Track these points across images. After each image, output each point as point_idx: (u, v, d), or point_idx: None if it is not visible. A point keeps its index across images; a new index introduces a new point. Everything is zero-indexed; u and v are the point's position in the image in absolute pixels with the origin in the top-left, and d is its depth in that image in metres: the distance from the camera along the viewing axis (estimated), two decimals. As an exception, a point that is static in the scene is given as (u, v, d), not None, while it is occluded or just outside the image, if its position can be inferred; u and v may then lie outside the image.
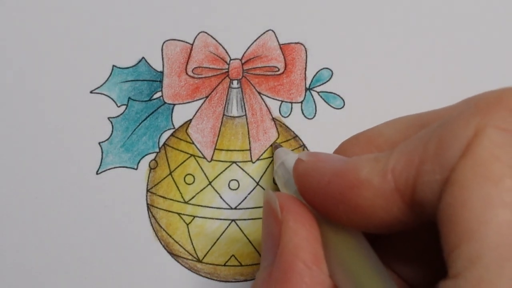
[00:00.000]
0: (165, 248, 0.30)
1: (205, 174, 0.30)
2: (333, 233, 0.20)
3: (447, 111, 0.20)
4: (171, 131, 0.30)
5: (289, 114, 0.30)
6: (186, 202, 0.30)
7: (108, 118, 0.30)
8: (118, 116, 0.30)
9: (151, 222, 0.30)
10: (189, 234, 0.30)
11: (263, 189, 0.30)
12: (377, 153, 0.19)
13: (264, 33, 0.30)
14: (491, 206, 0.16)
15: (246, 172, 0.30)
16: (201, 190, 0.30)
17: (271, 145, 0.30)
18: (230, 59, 0.30)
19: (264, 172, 0.30)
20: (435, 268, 0.21)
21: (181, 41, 0.30)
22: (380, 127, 0.23)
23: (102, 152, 0.30)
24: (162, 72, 0.30)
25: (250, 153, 0.30)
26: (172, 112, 0.30)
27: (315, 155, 0.21)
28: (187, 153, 0.30)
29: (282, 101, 0.30)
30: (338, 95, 0.30)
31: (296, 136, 0.30)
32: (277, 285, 0.19)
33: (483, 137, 0.16)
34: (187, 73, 0.30)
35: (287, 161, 0.25)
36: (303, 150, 0.30)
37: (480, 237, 0.15)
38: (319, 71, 0.30)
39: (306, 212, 0.21)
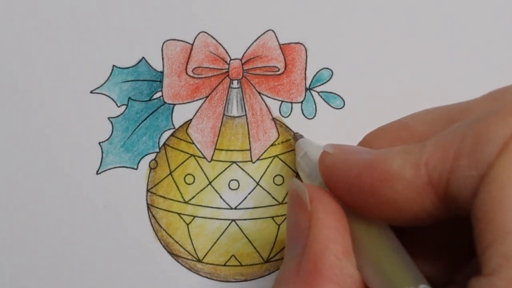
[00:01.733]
0: (165, 248, 0.30)
1: (205, 174, 0.30)
2: (361, 226, 0.20)
3: (476, 104, 0.20)
4: (171, 131, 0.30)
5: (289, 114, 0.30)
6: (186, 202, 0.30)
7: (108, 118, 0.30)
8: (118, 116, 0.30)
9: (151, 222, 0.30)
10: (189, 234, 0.30)
11: (263, 189, 0.30)
12: (407, 145, 0.19)
13: (264, 33, 0.30)
14: None
15: (246, 172, 0.30)
16: (201, 190, 0.30)
17: (292, 137, 0.29)
18: (230, 59, 0.30)
19: (264, 172, 0.30)
20: (456, 264, 0.21)
21: (181, 41, 0.30)
22: (406, 120, 0.23)
23: (102, 152, 0.30)
24: (162, 72, 0.30)
25: (250, 153, 0.30)
26: (172, 112, 0.30)
27: (341, 147, 0.21)
28: (187, 153, 0.30)
29: (282, 101, 0.30)
30: (338, 95, 0.30)
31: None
32: (307, 276, 0.19)
33: None
34: (187, 73, 0.30)
35: (311, 152, 0.25)
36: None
37: None
38: (319, 71, 0.30)
39: (335, 204, 0.20)
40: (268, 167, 0.30)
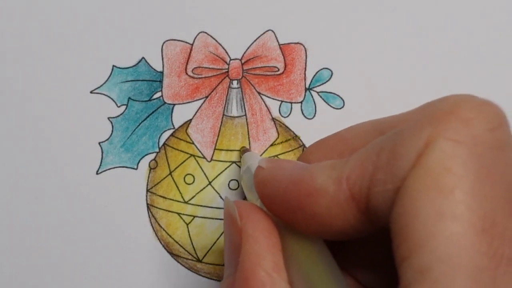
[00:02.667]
0: (165, 248, 0.30)
1: (205, 174, 0.30)
2: (292, 240, 0.20)
3: (404, 117, 0.20)
4: (171, 131, 0.30)
5: (289, 114, 0.30)
6: (186, 202, 0.30)
7: (108, 118, 0.30)
8: (118, 116, 0.30)
9: (151, 222, 0.30)
10: (189, 234, 0.30)
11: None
12: (335, 160, 0.19)
13: (264, 33, 0.30)
14: (441, 218, 0.16)
15: (246, 172, 0.30)
16: (201, 190, 0.30)
17: (240, 149, 0.30)
18: (230, 59, 0.30)
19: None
20: (395, 276, 0.21)
21: (181, 41, 0.30)
22: (343, 133, 0.23)
23: (102, 152, 0.30)
24: (162, 72, 0.30)
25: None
26: (172, 112, 0.30)
27: (275, 161, 0.22)
28: (187, 153, 0.30)
29: (282, 101, 0.30)
30: (338, 95, 0.30)
31: (296, 136, 0.30)
32: None
33: (435, 148, 0.16)
34: (187, 73, 0.30)
35: (252, 166, 0.25)
36: (303, 150, 0.30)
37: (430, 249, 0.15)
38: (319, 71, 0.30)
39: (265, 220, 0.21)
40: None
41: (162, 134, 0.30)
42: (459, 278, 0.15)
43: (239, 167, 0.30)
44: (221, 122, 0.30)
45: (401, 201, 0.16)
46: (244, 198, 0.30)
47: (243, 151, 0.29)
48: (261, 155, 0.30)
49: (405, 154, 0.17)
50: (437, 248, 0.15)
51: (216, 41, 0.30)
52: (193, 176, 0.30)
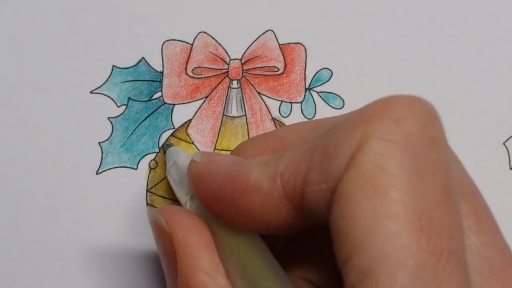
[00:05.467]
0: (165, 248, 0.30)
1: (205, 174, 0.30)
2: (228, 236, 0.20)
3: (340, 118, 0.20)
4: (171, 131, 0.30)
5: (289, 114, 0.30)
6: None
7: (108, 118, 0.30)
8: (118, 116, 0.30)
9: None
10: (189, 234, 0.30)
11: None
12: (269, 155, 0.19)
13: (264, 33, 0.30)
14: (378, 218, 0.16)
15: (246, 172, 0.30)
16: (201, 190, 0.30)
17: (162, 145, 0.30)
18: (230, 59, 0.30)
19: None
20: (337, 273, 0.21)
21: (181, 41, 0.30)
22: (278, 131, 0.23)
23: (102, 152, 0.30)
24: (162, 72, 0.30)
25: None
26: (172, 112, 0.30)
27: (208, 156, 0.21)
28: (187, 153, 0.30)
29: (281, 101, 0.30)
30: (338, 95, 0.30)
31: (296, 136, 0.30)
32: None
33: (367, 148, 0.16)
34: (187, 73, 0.30)
35: (180, 161, 0.25)
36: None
37: (369, 249, 0.15)
38: (319, 71, 0.30)
39: (193, 219, 0.21)
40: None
41: (162, 134, 0.30)
42: (401, 275, 0.15)
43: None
44: (221, 122, 0.30)
45: (337, 203, 0.16)
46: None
47: (166, 145, 0.29)
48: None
49: (338, 154, 0.17)
50: (376, 248, 0.15)
51: (216, 41, 0.30)
52: (193, 176, 0.30)
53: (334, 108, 0.30)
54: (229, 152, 0.30)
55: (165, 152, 0.29)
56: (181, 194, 0.24)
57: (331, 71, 0.30)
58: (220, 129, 0.30)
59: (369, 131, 0.17)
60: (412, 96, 0.18)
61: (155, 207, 0.30)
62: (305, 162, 0.18)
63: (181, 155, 0.26)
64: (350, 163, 0.16)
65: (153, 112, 0.30)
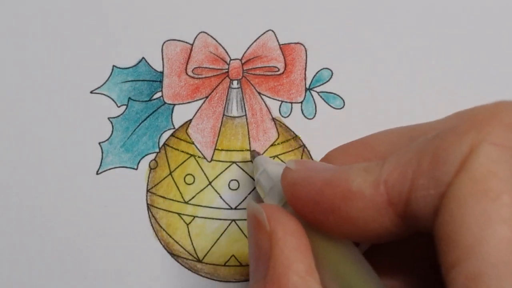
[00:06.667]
0: (165, 248, 0.30)
1: (205, 174, 0.30)
2: (323, 242, 0.20)
3: (439, 124, 0.20)
4: (171, 131, 0.30)
5: (289, 114, 0.30)
6: (186, 202, 0.30)
7: (108, 118, 0.30)
8: (118, 116, 0.30)
9: (151, 222, 0.30)
10: (189, 234, 0.30)
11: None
12: (368, 163, 0.19)
13: (264, 33, 0.30)
14: (489, 223, 0.16)
15: (246, 172, 0.30)
16: (201, 190, 0.30)
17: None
18: (230, 59, 0.30)
19: (264, 172, 0.30)
20: (427, 280, 0.21)
21: (181, 41, 0.30)
22: (368, 139, 0.23)
23: (102, 152, 0.30)
24: (162, 72, 0.30)
25: (250, 153, 0.30)
26: (172, 112, 0.30)
27: (303, 163, 0.21)
28: (187, 153, 0.30)
29: (282, 101, 0.30)
30: (338, 95, 0.30)
31: (296, 136, 0.30)
32: None
33: (479, 153, 0.16)
34: (187, 73, 0.30)
35: (270, 170, 0.25)
36: (303, 150, 0.30)
37: (480, 254, 0.15)
38: (319, 71, 0.30)
39: (294, 222, 0.20)
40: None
41: (162, 134, 0.30)
42: (510, 282, 0.15)
43: (240, 167, 0.30)
44: (221, 122, 0.30)
45: (447, 207, 0.16)
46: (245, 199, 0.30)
47: (253, 154, 0.29)
48: (261, 155, 0.30)
49: (449, 159, 0.17)
50: (487, 254, 0.15)
51: (216, 41, 0.30)
52: (193, 176, 0.30)
53: (334, 108, 0.30)
54: (229, 152, 0.30)
55: (252, 161, 0.29)
56: (272, 202, 0.24)
57: (331, 71, 0.30)
58: (220, 129, 0.30)
59: (482, 136, 0.17)
60: None
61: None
62: (412, 168, 0.18)
63: (270, 164, 0.26)
64: (461, 168, 0.16)
65: (153, 112, 0.30)
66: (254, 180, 0.30)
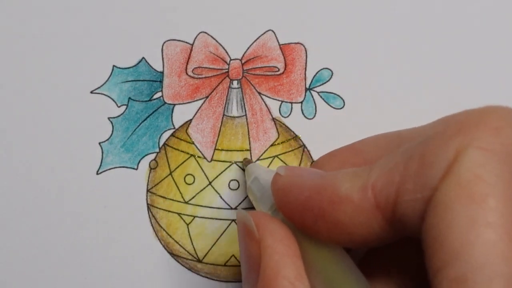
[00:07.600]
0: (165, 248, 0.30)
1: (205, 174, 0.30)
2: (313, 248, 0.20)
3: (426, 129, 0.20)
4: (171, 131, 0.30)
5: (289, 114, 0.30)
6: (186, 202, 0.30)
7: (108, 118, 0.30)
8: (118, 116, 0.30)
9: (151, 222, 0.30)
10: (189, 234, 0.30)
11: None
12: (356, 168, 0.19)
13: (264, 33, 0.30)
14: (475, 226, 0.16)
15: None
16: (201, 190, 0.30)
17: (242, 161, 0.30)
18: (230, 59, 0.30)
19: (264, 172, 0.30)
20: (420, 285, 0.21)
21: (181, 41, 0.30)
22: (357, 145, 0.23)
23: (102, 152, 0.30)
24: (162, 72, 0.30)
25: (250, 153, 0.30)
26: (172, 112, 0.30)
27: (292, 169, 0.21)
28: (187, 153, 0.30)
29: (282, 101, 0.30)
30: (338, 95, 0.30)
31: (296, 136, 0.30)
32: None
33: (466, 157, 0.16)
34: (187, 73, 0.30)
35: (261, 177, 0.25)
36: (303, 150, 0.30)
37: (466, 258, 0.15)
38: (319, 71, 0.30)
39: (283, 229, 0.21)
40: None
41: (162, 134, 0.30)
42: (496, 284, 0.15)
43: (240, 167, 0.30)
44: (221, 122, 0.30)
45: (434, 211, 0.16)
46: (244, 200, 0.30)
47: (245, 162, 0.29)
48: (261, 155, 0.30)
49: (435, 164, 0.17)
50: (472, 257, 0.15)
51: (216, 41, 0.30)
52: (193, 176, 0.30)
53: (334, 108, 0.30)
54: (229, 152, 0.30)
55: (243, 169, 0.29)
56: (263, 209, 0.24)
57: (331, 71, 0.30)
58: (220, 129, 0.30)
59: (468, 141, 0.17)
60: (508, 107, 0.18)
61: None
62: (399, 172, 0.18)
63: (261, 171, 0.26)
64: (448, 172, 0.17)
65: (153, 112, 0.30)
66: (254, 180, 0.30)
